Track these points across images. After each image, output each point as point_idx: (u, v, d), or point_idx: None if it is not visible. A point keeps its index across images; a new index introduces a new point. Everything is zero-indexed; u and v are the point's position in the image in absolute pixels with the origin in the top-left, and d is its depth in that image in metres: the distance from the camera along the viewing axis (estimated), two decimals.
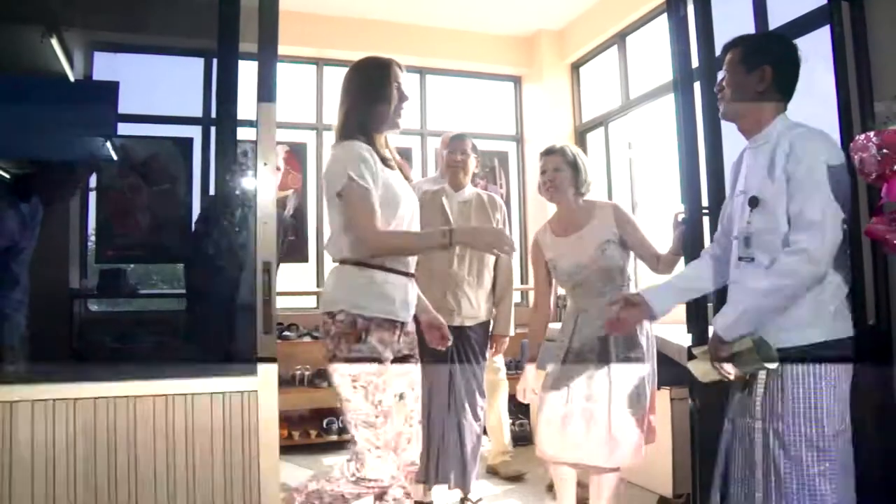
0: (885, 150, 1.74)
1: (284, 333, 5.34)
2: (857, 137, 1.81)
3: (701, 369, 2.30)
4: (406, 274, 2.48)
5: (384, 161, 2.43)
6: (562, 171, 3.20)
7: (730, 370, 2.20)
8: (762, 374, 2.16)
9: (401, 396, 2.50)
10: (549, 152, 3.28)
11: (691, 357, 2.38)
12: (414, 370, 2.58)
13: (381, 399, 2.33)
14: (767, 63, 2.23)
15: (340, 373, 2.34)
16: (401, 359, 2.50)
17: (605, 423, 2.96)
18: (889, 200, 1.81)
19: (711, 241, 2.64)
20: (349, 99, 2.48)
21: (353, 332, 2.32)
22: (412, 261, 2.51)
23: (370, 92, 2.46)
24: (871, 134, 1.75)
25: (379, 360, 2.34)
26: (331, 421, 5.28)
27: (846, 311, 2.21)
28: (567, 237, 3.20)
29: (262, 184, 2.42)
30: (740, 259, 2.23)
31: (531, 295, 4.33)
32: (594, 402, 3.01)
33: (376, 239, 2.31)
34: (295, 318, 5.57)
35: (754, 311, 2.11)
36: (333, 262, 2.47)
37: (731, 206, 2.39)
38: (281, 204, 5.80)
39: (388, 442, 2.35)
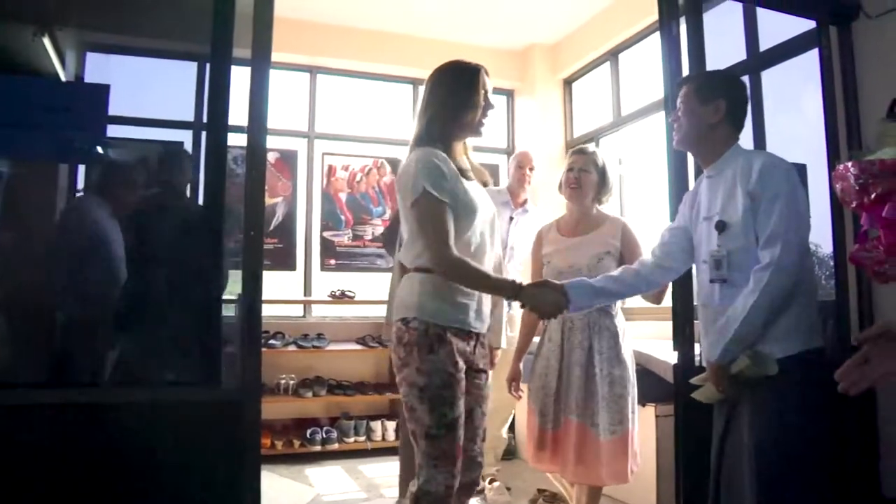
0: (862, 180, 1.78)
1: (270, 342, 5.30)
2: (837, 167, 1.84)
3: (705, 395, 2.36)
4: None
5: (462, 171, 2.37)
6: (589, 174, 3.21)
7: (730, 390, 2.26)
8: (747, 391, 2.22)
9: (469, 413, 2.39)
10: (581, 151, 3.30)
11: (691, 388, 2.42)
12: (485, 385, 2.50)
13: (446, 412, 2.25)
14: (721, 97, 2.36)
15: (409, 382, 2.28)
16: (474, 371, 2.42)
17: (594, 440, 2.98)
18: (868, 228, 1.84)
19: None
20: (434, 104, 2.41)
21: (426, 341, 2.26)
22: (491, 269, 2.45)
23: (457, 98, 2.39)
24: (850, 164, 1.79)
25: (450, 373, 2.26)
26: (314, 431, 5.26)
27: (818, 324, 2.30)
28: (570, 238, 3.23)
29: (251, 192, 2.40)
30: (712, 281, 2.32)
31: None
32: (577, 418, 3.02)
33: (449, 262, 2.23)
34: (281, 327, 5.54)
35: (743, 332, 2.17)
36: (408, 268, 2.41)
37: (694, 234, 2.48)
38: (270, 211, 5.82)
39: (446, 453, 2.25)
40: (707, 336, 2.38)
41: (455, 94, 2.39)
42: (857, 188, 1.78)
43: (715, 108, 2.36)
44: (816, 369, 2.13)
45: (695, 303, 2.49)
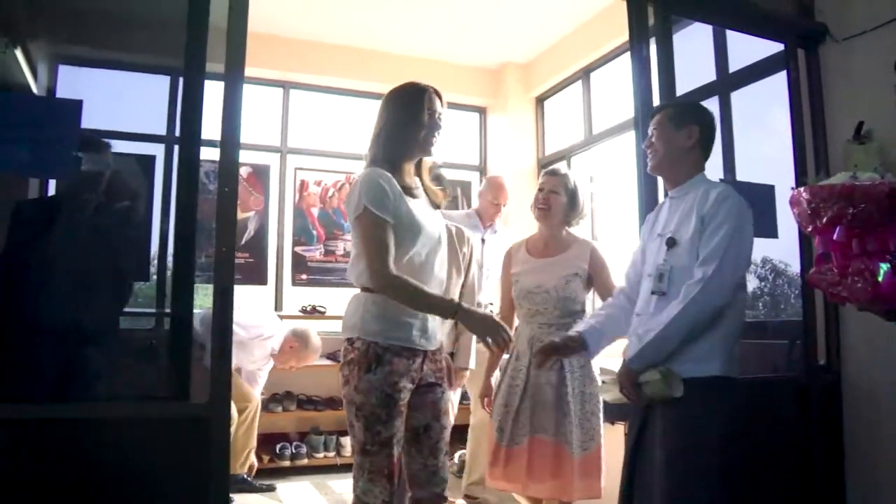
0: (814, 204, 1.84)
1: None
2: (791, 193, 1.91)
3: (612, 396, 2.44)
4: None
5: (407, 190, 2.38)
6: (559, 196, 3.21)
7: (633, 396, 2.33)
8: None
9: (425, 428, 2.43)
10: (552, 173, 3.31)
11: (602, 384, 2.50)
12: (441, 399, 2.50)
13: (380, 430, 2.27)
14: (694, 123, 2.45)
15: (348, 399, 2.32)
16: (425, 387, 2.43)
17: (568, 458, 3.00)
18: (823, 251, 1.91)
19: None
20: (381, 125, 2.44)
21: (365, 360, 2.29)
22: (435, 289, 2.43)
23: (400, 118, 2.42)
24: (802, 189, 1.85)
25: (387, 393, 2.28)
26: (283, 446, 5.21)
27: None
28: (538, 259, 3.24)
29: (222, 207, 2.39)
30: (652, 293, 2.40)
31: None
32: (552, 436, 3.03)
33: (386, 280, 2.26)
34: None
35: (661, 340, 2.25)
36: (355, 286, 2.44)
37: (647, 248, 2.56)
38: (242, 225, 5.78)
39: (380, 470, 2.29)
40: (630, 342, 2.46)
41: (400, 114, 2.42)
42: (809, 213, 1.84)
43: (688, 133, 2.44)
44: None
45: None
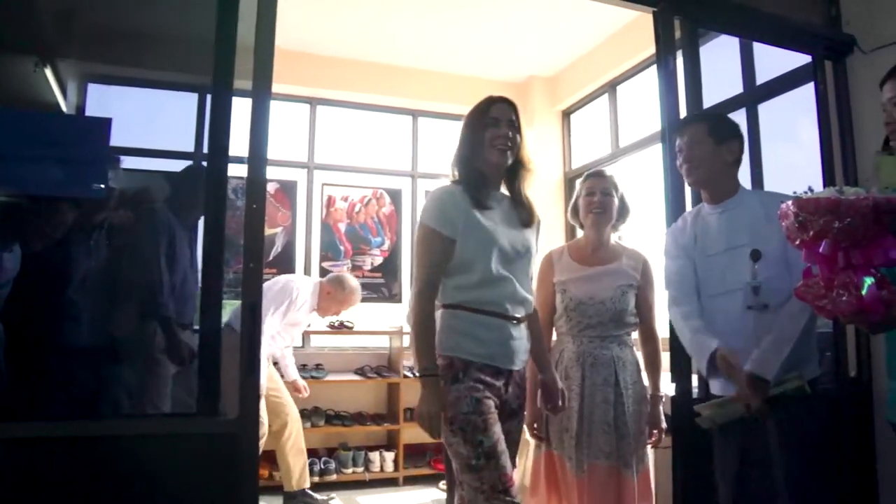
0: (801, 217, 1.85)
1: None
2: (781, 207, 1.92)
3: (726, 415, 2.38)
4: (504, 317, 2.31)
5: (479, 203, 2.33)
6: (611, 198, 3.04)
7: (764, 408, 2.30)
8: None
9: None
10: (599, 175, 3.12)
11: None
12: (517, 431, 2.42)
13: (482, 440, 2.13)
14: (734, 138, 2.51)
15: (444, 418, 2.20)
16: (507, 414, 2.33)
17: (627, 482, 2.82)
18: (811, 264, 1.93)
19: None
20: (457, 143, 2.48)
21: (450, 372, 2.22)
22: (513, 303, 2.33)
23: (463, 134, 2.45)
24: (790, 203, 1.86)
25: (477, 397, 2.18)
26: (312, 462, 5.19)
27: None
28: (588, 268, 3.00)
29: (250, 224, 2.40)
30: (749, 308, 2.37)
31: None
32: (609, 461, 2.81)
33: (417, 296, 2.29)
34: None
35: (789, 352, 2.26)
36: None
37: (708, 264, 2.51)
38: (270, 241, 5.83)
39: (494, 484, 2.11)
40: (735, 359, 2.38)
41: (462, 132, 2.45)
42: (797, 226, 1.85)
43: (729, 148, 2.48)
44: (822, 395, 2.38)
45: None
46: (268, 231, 5.65)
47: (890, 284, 1.83)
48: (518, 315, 2.35)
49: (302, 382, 4.95)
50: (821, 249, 1.82)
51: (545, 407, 2.63)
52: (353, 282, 4.97)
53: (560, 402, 2.58)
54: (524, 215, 2.46)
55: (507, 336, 2.30)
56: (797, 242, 1.91)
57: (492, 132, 2.37)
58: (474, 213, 2.29)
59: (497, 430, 2.18)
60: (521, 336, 2.36)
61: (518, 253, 2.37)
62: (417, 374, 2.27)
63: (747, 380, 2.27)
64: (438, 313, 2.34)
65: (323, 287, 4.88)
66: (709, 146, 2.47)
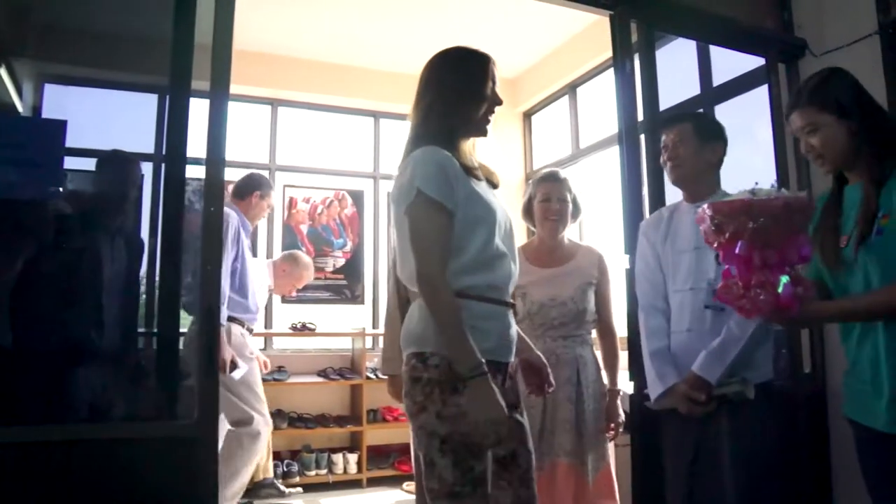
0: (717, 220, 1.91)
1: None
2: (697, 211, 1.98)
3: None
4: (503, 303, 2.01)
5: (469, 170, 1.99)
6: (566, 203, 3.05)
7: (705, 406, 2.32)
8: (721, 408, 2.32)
9: (512, 456, 2.01)
10: (553, 178, 3.07)
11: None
12: (523, 421, 2.09)
13: (474, 465, 1.83)
14: (718, 138, 2.52)
15: (428, 430, 1.86)
16: (509, 408, 1.88)
17: (583, 480, 2.85)
18: (728, 266, 1.99)
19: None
20: (432, 92, 2.06)
21: (449, 379, 1.84)
22: (508, 286, 2.03)
23: (461, 86, 2.05)
24: (706, 206, 1.92)
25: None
26: (275, 464, 5.19)
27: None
28: (546, 269, 3.02)
29: (208, 226, 2.38)
30: (706, 307, 2.37)
31: None
32: (569, 459, 2.85)
33: (427, 279, 1.86)
34: None
35: (741, 357, 2.27)
36: (412, 291, 2.01)
37: (674, 262, 2.51)
38: None
39: None
40: (682, 358, 2.41)
41: (460, 82, 2.07)
42: (713, 229, 1.91)
43: (713, 149, 2.50)
44: (776, 397, 2.39)
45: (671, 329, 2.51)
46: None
47: (805, 281, 1.90)
48: (511, 300, 2.08)
49: (264, 358, 4.82)
50: (737, 250, 1.88)
51: (529, 388, 2.34)
52: (306, 258, 5.06)
53: (546, 385, 2.28)
54: (492, 182, 2.16)
55: (506, 326, 2.01)
56: (715, 245, 1.97)
57: (492, 105, 2.11)
58: (470, 182, 1.98)
59: (489, 452, 1.90)
60: (514, 324, 2.08)
61: (510, 226, 2.12)
62: (467, 376, 1.80)
63: (691, 380, 2.31)
64: (419, 304, 1.96)
65: (278, 266, 4.93)
66: (693, 145, 2.48)
